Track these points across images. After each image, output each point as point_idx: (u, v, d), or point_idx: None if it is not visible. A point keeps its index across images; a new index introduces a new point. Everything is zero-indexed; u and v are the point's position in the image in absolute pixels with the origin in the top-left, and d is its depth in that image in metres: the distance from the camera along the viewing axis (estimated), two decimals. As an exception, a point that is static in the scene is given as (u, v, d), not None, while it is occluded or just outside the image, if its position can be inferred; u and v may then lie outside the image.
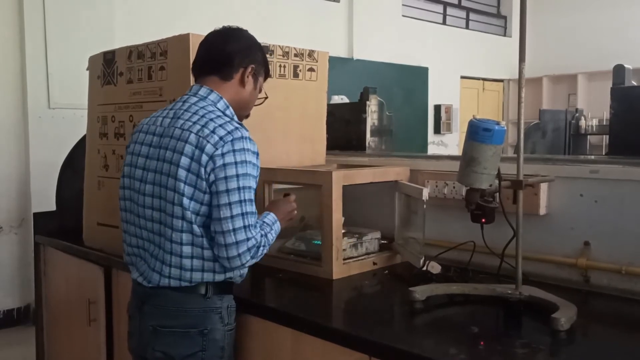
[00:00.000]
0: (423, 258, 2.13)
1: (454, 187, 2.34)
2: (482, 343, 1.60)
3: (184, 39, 2.19)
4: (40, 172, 4.73)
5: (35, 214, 3.28)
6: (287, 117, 2.53)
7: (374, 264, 2.31)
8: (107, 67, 2.56)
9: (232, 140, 1.69)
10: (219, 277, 1.76)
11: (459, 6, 9.99)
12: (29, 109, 4.97)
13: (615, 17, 9.28)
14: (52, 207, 3.21)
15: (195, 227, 1.71)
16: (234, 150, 1.68)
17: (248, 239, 1.68)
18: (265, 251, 1.76)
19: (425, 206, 2.13)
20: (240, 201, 1.68)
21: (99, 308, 2.56)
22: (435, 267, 2.13)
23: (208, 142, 1.68)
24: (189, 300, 1.76)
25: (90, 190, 2.72)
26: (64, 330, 3.03)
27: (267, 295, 2.21)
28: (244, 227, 1.68)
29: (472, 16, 10.16)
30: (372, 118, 3.62)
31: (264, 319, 1.89)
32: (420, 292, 1.85)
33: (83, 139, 2.89)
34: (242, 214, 1.68)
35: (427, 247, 2.22)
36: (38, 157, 4.91)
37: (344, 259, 2.21)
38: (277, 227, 1.87)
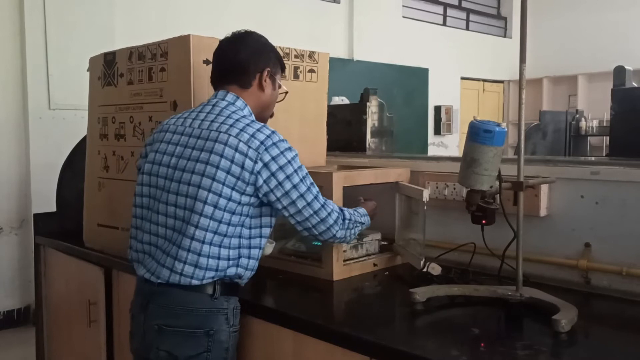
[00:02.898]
0: (423, 259, 2.13)
1: (454, 189, 2.34)
2: (482, 345, 1.60)
3: (184, 40, 2.19)
4: (41, 173, 4.74)
5: (35, 215, 3.27)
6: (287, 118, 2.52)
7: (375, 265, 2.31)
8: (107, 68, 2.56)
9: (273, 144, 1.76)
10: (231, 272, 1.78)
11: (459, 7, 10.00)
12: (29, 110, 4.98)
13: (616, 19, 9.29)
14: (53, 208, 3.22)
15: (222, 226, 1.74)
16: (282, 152, 1.77)
17: (329, 214, 1.86)
18: (351, 226, 1.95)
19: (425, 207, 2.13)
20: (308, 189, 1.82)
21: (99, 309, 2.56)
22: (435, 269, 2.13)
23: (249, 147, 1.73)
24: (196, 300, 1.76)
25: (91, 192, 2.72)
26: (64, 331, 3.03)
27: (268, 296, 2.20)
28: (322, 205, 1.85)
29: (472, 17, 10.17)
30: (372, 119, 3.63)
31: (264, 320, 1.89)
32: (421, 293, 1.85)
33: (83, 140, 2.89)
34: (315, 197, 1.83)
35: (427, 249, 2.22)
36: (38, 158, 4.91)
37: (345, 260, 2.21)
38: (367, 219, 2.08)
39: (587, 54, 9.39)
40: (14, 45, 4.95)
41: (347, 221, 1.93)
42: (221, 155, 1.73)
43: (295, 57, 2.54)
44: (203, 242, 1.73)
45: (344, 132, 3.62)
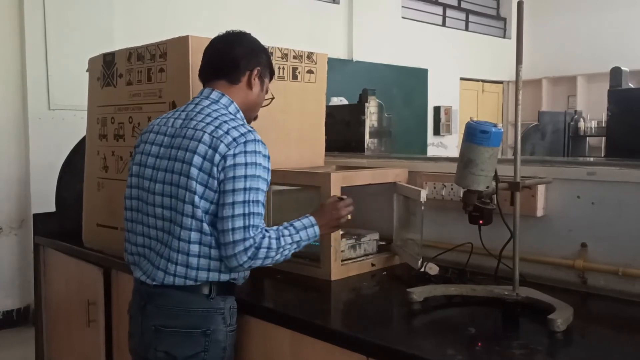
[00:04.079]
0: (421, 259, 2.14)
1: (452, 189, 2.35)
2: (479, 344, 1.61)
3: (183, 40, 2.20)
4: (40, 173, 4.74)
5: (35, 215, 3.28)
6: (286, 119, 2.54)
7: (373, 265, 2.32)
8: (106, 68, 2.57)
9: (245, 142, 1.72)
10: (224, 277, 1.78)
11: (458, 8, 10.00)
12: (29, 110, 4.98)
13: (615, 19, 9.30)
14: (52, 208, 3.22)
15: (205, 225, 1.72)
16: (245, 152, 1.71)
17: (245, 240, 1.68)
18: (271, 254, 1.73)
19: (423, 208, 2.14)
20: (244, 201, 1.69)
21: (99, 309, 2.57)
22: (433, 269, 2.14)
23: (222, 142, 1.71)
24: (193, 300, 1.77)
25: (90, 192, 2.73)
26: (63, 331, 3.03)
27: (266, 296, 2.21)
28: (244, 227, 1.68)
29: (471, 18, 10.17)
30: (371, 120, 3.64)
31: (262, 320, 1.90)
32: (418, 293, 1.86)
33: (83, 141, 2.90)
34: (244, 214, 1.68)
35: (425, 249, 2.23)
36: (38, 159, 4.92)
37: (343, 260, 2.22)
38: (312, 231, 1.84)
39: (586, 55, 9.39)
40: (14, 45, 4.96)
41: (262, 251, 1.70)
42: (194, 152, 1.72)
43: (294, 57, 2.55)
44: (189, 242, 1.73)
45: (343, 132, 3.63)
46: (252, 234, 1.69)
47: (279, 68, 2.48)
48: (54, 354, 3.17)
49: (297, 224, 1.83)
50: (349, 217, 1.98)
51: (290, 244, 1.78)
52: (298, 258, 2.31)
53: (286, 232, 1.78)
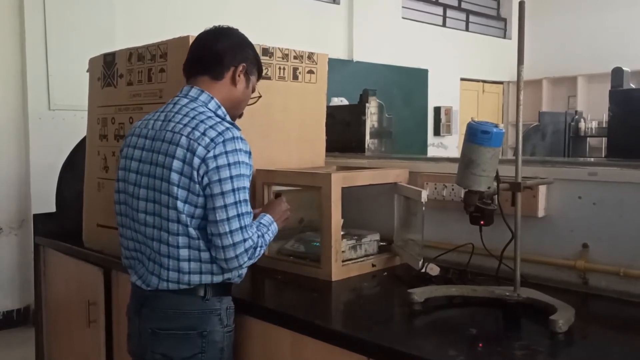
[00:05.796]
0: (422, 260, 2.14)
1: (453, 189, 2.35)
2: (480, 345, 1.61)
3: (183, 41, 2.20)
4: (41, 173, 4.74)
5: (35, 215, 3.28)
6: (287, 119, 2.54)
7: (373, 265, 2.32)
8: (107, 69, 2.57)
9: (223, 142, 1.69)
10: (217, 279, 1.77)
11: (458, 8, 10.01)
12: (29, 111, 4.98)
13: (615, 20, 9.30)
14: (52, 208, 3.22)
15: (191, 229, 1.71)
16: (226, 152, 1.68)
17: (245, 240, 1.69)
18: (262, 252, 1.77)
19: (424, 208, 2.14)
20: (236, 202, 1.68)
21: (99, 309, 2.57)
22: (434, 269, 2.14)
23: (199, 144, 1.68)
24: (188, 302, 1.76)
25: (90, 192, 2.73)
26: (63, 331, 3.03)
27: (266, 296, 2.21)
28: (241, 228, 1.69)
29: (472, 18, 10.18)
30: (371, 120, 3.63)
31: (263, 320, 1.89)
32: (419, 293, 1.85)
33: (83, 141, 2.90)
34: (238, 215, 1.69)
35: (426, 249, 2.22)
36: (38, 159, 4.91)
37: (343, 261, 2.21)
38: (274, 228, 1.88)
39: (587, 55, 9.39)
40: (14, 45, 4.95)
41: (258, 249, 1.74)
42: (173, 157, 1.70)
43: (295, 58, 2.55)
44: (178, 247, 1.72)
45: (343, 133, 3.63)
46: (250, 234, 1.71)
47: (280, 68, 2.48)
48: (54, 355, 3.16)
49: (264, 221, 1.85)
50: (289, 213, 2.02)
51: (268, 240, 1.82)
52: (298, 258, 2.31)
53: (264, 229, 1.82)
